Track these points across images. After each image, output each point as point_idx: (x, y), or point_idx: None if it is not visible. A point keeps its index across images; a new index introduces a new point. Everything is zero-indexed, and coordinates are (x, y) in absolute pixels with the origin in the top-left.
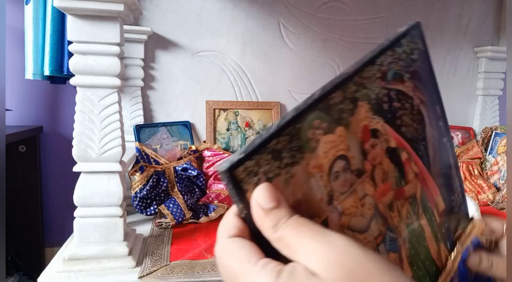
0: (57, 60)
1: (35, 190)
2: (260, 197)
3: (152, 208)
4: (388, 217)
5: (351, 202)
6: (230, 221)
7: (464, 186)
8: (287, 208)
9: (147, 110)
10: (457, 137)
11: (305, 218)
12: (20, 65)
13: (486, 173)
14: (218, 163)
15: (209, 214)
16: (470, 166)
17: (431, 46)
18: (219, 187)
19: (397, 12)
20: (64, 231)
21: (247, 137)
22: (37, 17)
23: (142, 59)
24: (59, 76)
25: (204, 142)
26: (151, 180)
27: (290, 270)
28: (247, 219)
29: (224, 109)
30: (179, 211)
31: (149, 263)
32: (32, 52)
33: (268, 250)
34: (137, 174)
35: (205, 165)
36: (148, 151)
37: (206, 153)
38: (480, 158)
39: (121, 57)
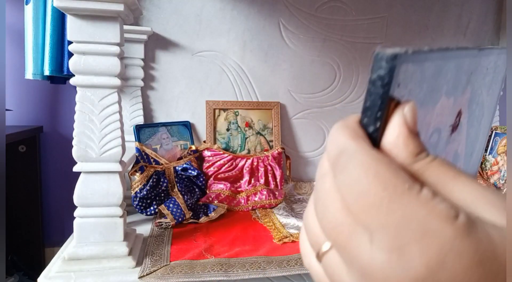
0: (57, 60)
1: (35, 190)
2: (412, 115)
3: (152, 208)
4: None
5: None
6: (351, 127)
7: None
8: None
9: (147, 110)
10: None
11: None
12: (20, 65)
13: (486, 173)
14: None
15: (209, 214)
16: None
17: (431, 46)
18: (219, 187)
19: (397, 12)
20: (64, 231)
21: (247, 137)
22: (37, 17)
23: (142, 59)
24: (59, 76)
25: (204, 142)
26: (151, 180)
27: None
28: (373, 134)
29: (224, 109)
30: (179, 211)
31: (149, 263)
32: (32, 52)
33: None
34: (137, 174)
35: (205, 165)
36: (148, 151)
37: (206, 153)
38: None
39: (121, 57)
